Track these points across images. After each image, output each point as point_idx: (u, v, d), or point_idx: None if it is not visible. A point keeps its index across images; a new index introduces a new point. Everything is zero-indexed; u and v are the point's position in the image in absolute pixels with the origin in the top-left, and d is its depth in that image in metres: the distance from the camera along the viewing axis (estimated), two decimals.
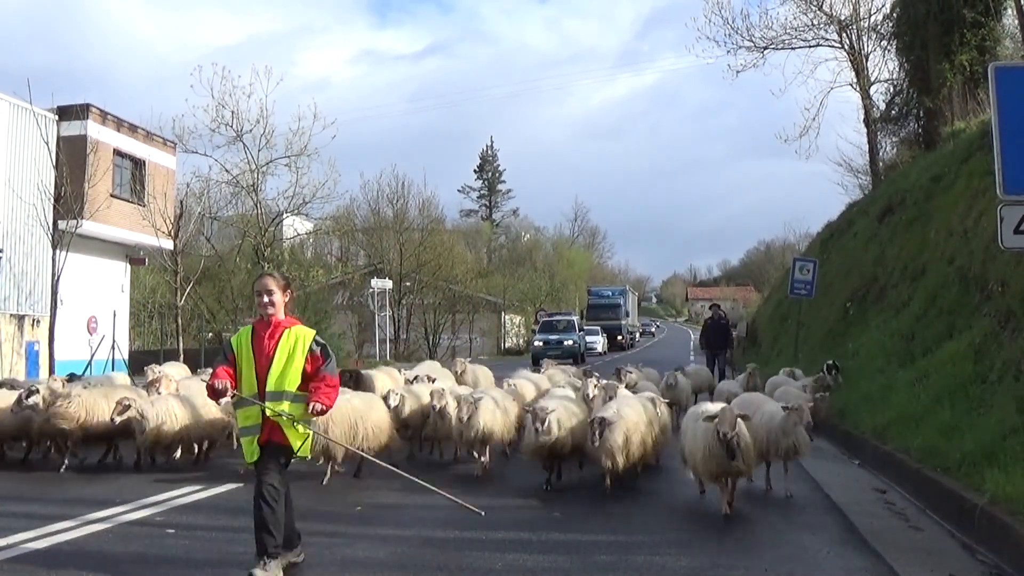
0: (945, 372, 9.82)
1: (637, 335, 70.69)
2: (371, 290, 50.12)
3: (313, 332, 5.21)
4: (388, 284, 49.96)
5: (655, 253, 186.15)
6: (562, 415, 7.69)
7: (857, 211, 25.98)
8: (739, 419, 6.52)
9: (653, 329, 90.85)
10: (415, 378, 11.39)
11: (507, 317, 58.56)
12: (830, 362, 13.80)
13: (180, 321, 25.62)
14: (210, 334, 40.40)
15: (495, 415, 8.52)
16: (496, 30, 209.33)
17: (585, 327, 45.10)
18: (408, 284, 53.83)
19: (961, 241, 13.05)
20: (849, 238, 23.82)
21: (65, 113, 22.50)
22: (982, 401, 8.27)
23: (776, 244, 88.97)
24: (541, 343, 37.59)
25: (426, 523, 6.34)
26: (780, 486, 7.55)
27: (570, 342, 37.55)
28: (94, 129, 22.83)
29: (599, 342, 46.70)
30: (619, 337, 53.99)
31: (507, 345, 54.20)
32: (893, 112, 28.43)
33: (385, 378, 12.24)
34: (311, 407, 5.02)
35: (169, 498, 7.26)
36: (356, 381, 11.19)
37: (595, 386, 9.16)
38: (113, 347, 22.39)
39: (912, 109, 26.56)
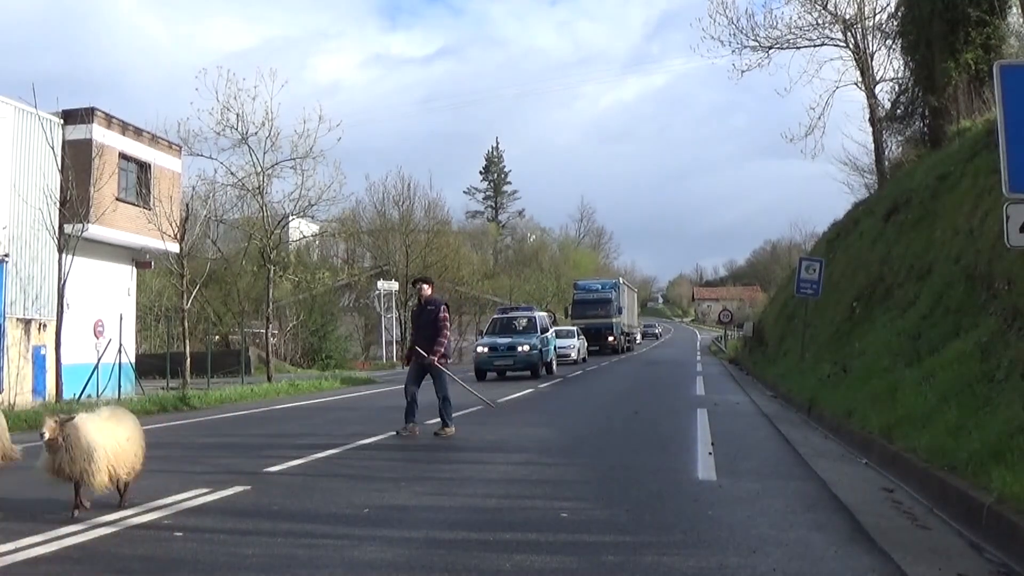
0: (952, 371, 9.80)
1: (637, 336, 65.92)
2: (377, 292, 50.34)
3: None
4: (394, 286, 50.08)
5: (661, 254, 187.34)
6: None
7: (863, 210, 25.98)
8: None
9: (657, 330, 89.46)
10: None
11: None
12: None
13: (186, 324, 25.69)
14: (216, 337, 40.52)
15: None
16: (506, 33, 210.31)
17: (560, 327, 37.30)
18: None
19: (967, 240, 13.03)
20: (855, 237, 23.79)
21: (70, 117, 22.56)
22: (989, 400, 8.25)
23: (782, 244, 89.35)
24: (486, 349, 27.46)
25: (434, 524, 6.34)
26: None
27: (526, 347, 26.74)
28: (99, 133, 22.90)
29: (574, 346, 37.55)
30: (611, 338, 47.99)
31: None
32: (898, 111, 28.47)
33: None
34: None
35: (176, 501, 7.26)
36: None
37: None
38: (120, 351, 22.47)
39: (917, 108, 26.57)
